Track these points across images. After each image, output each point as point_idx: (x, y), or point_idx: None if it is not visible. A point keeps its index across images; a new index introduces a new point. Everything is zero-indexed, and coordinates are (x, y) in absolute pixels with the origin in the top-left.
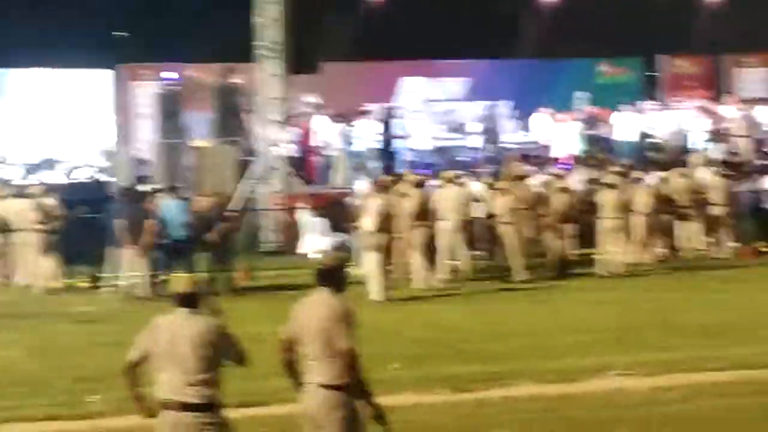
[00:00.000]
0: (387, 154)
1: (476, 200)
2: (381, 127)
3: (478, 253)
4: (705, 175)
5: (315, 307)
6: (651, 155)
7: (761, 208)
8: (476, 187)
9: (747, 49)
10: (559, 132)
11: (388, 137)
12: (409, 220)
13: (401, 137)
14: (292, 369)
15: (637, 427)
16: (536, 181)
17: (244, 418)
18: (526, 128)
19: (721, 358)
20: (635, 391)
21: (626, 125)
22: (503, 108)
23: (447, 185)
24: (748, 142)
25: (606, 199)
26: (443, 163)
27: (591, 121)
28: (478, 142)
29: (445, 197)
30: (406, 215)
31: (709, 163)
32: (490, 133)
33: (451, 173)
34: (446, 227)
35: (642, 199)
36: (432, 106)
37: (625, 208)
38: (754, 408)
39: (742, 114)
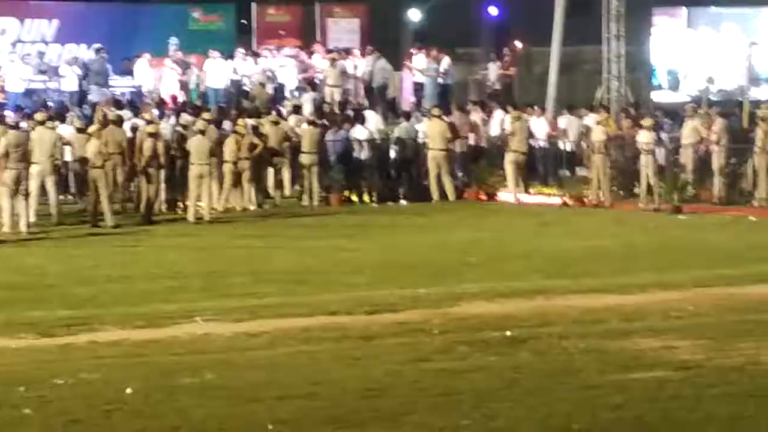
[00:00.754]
0: None
1: (67, 144)
2: None
3: (68, 197)
4: (296, 124)
5: None
6: (242, 103)
7: (351, 157)
8: (67, 130)
9: (338, 0)
10: (156, 77)
11: None
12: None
13: None
14: None
15: (222, 371)
16: (128, 125)
17: None
18: (120, 72)
19: (306, 304)
20: (221, 336)
21: (218, 72)
22: (97, 51)
23: (37, 128)
24: (339, 91)
25: (195, 145)
26: (34, 105)
27: (184, 67)
28: (69, 85)
29: (36, 140)
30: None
31: (300, 111)
32: (84, 77)
33: (41, 116)
34: (37, 171)
35: (230, 147)
36: (22, 47)
37: (214, 155)
38: (335, 352)
39: (333, 63)
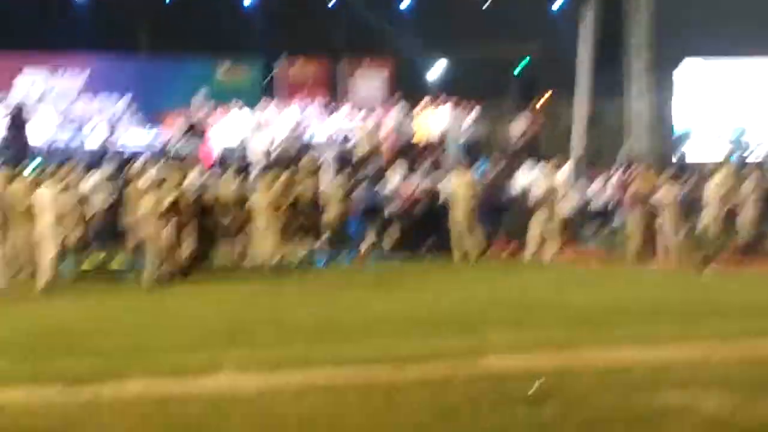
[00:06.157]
0: (15, 146)
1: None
2: (6, 120)
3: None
4: (327, 177)
5: None
6: (274, 156)
7: (378, 211)
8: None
9: (364, 54)
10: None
11: (14, 130)
12: (24, 216)
13: (25, 130)
14: None
15: (249, 424)
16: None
17: None
18: (148, 126)
19: (331, 355)
20: (247, 388)
21: (245, 126)
22: (125, 104)
23: (64, 182)
24: (367, 145)
25: (225, 195)
26: (62, 158)
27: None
28: (98, 138)
29: (64, 194)
30: (23, 210)
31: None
32: (112, 131)
33: (66, 170)
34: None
35: (266, 198)
36: (52, 99)
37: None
38: (361, 405)
39: (367, 118)
